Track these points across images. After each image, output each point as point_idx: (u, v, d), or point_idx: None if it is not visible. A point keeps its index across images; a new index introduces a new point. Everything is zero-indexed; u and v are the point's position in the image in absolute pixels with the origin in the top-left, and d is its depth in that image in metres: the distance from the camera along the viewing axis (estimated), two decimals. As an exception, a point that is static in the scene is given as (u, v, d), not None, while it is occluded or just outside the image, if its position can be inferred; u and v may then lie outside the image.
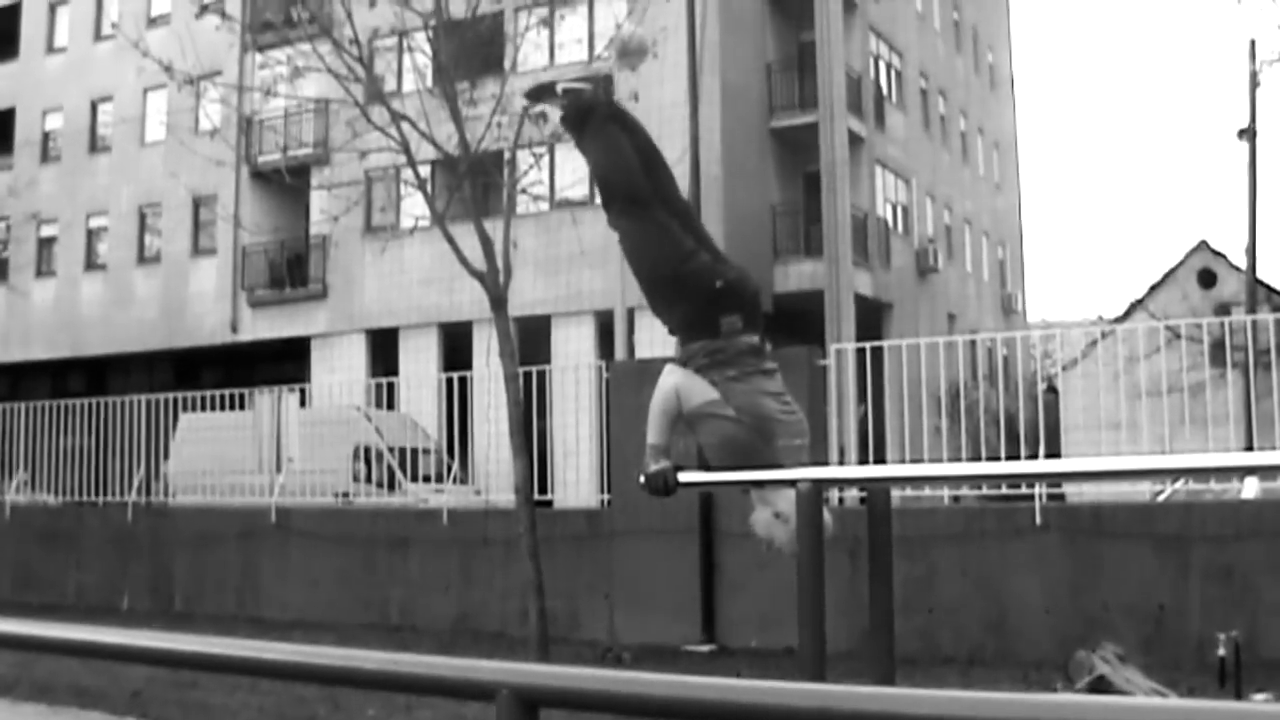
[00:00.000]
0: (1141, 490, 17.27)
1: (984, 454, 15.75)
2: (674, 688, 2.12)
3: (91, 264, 43.75)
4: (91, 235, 43.89)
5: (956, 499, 16.97)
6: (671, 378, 5.25)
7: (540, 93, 5.87)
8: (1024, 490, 14.03)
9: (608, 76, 5.84)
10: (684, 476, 5.21)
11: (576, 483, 19.41)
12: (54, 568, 20.74)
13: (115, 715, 11.19)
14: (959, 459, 14.83)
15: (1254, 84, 33.98)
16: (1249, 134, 33.63)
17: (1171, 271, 44.19)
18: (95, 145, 44.26)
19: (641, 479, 5.18)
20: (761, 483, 5.22)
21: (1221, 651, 9.14)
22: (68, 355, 42.90)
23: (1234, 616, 11.76)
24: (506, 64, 15.34)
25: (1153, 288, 43.90)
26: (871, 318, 35.20)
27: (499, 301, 13.64)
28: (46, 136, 45.47)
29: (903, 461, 17.13)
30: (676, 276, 5.38)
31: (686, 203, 5.79)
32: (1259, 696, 9.12)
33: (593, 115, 5.62)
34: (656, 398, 5.26)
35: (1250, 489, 15.37)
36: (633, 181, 5.50)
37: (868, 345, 16.18)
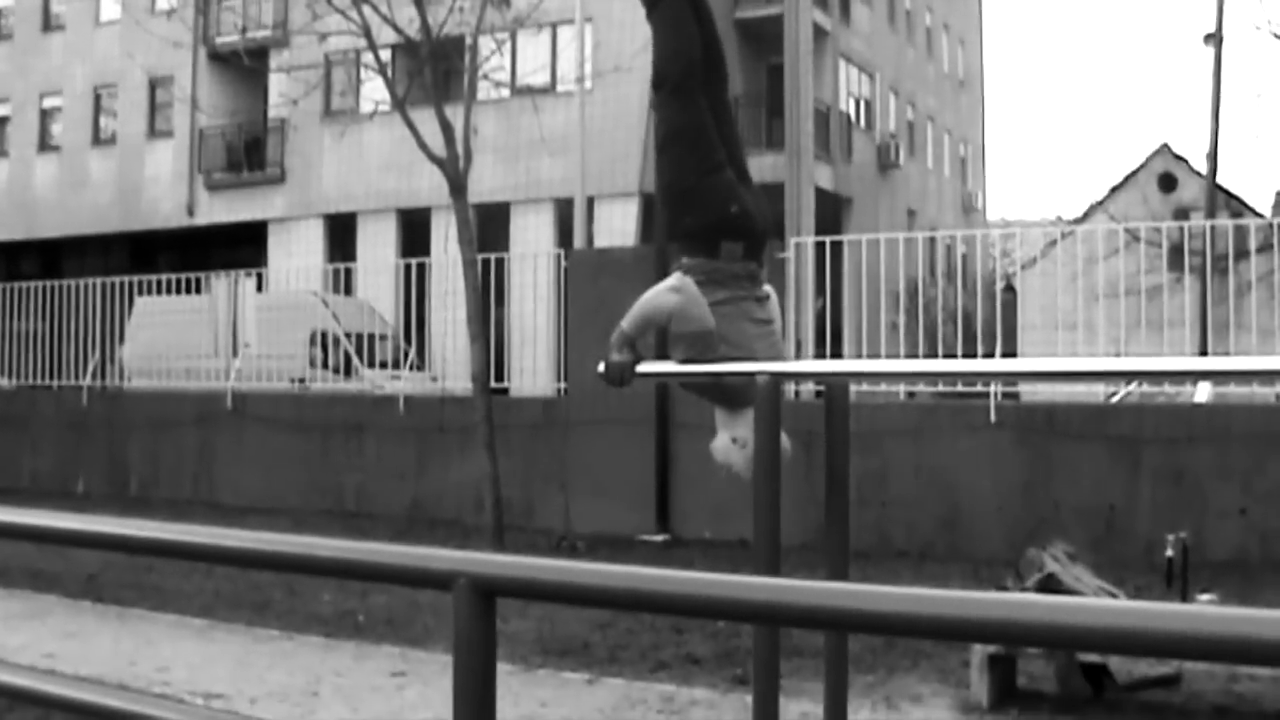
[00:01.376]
0: (1096, 391, 17.40)
1: (941, 351, 15.81)
2: (632, 579, 2.11)
3: (45, 145, 43.10)
4: (45, 116, 43.17)
5: (911, 395, 17.06)
6: (675, 297, 5.03)
7: None
8: (979, 388, 14.11)
9: None
10: (642, 368, 5.10)
11: (534, 371, 19.42)
12: (7, 451, 20.66)
13: (71, 598, 11.21)
14: (916, 355, 14.90)
15: (1222, -13, 33.79)
16: (1215, 39, 33.52)
17: (1132, 174, 44.25)
18: (48, 24, 43.40)
19: (601, 367, 5.09)
20: (724, 400, 5.18)
21: (1169, 552, 9.24)
22: (21, 237, 42.37)
23: (1183, 518, 11.91)
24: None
25: (1113, 190, 43.97)
26: (831, 212, 35.17)
27: (458, 188, 13.57)
28: (-3, 13, 44.63)
29: (859, 357, 17.21)
30: (696, 188, 5.24)
31: (730, 107, 5.60)
32: (1204, 597, 9.26)
33: None
34: (650, 302, 5.08)
35: (1203, 393, 15.52)
36: (689, 70, 5.30)
37: (827, 239, 16.15)
